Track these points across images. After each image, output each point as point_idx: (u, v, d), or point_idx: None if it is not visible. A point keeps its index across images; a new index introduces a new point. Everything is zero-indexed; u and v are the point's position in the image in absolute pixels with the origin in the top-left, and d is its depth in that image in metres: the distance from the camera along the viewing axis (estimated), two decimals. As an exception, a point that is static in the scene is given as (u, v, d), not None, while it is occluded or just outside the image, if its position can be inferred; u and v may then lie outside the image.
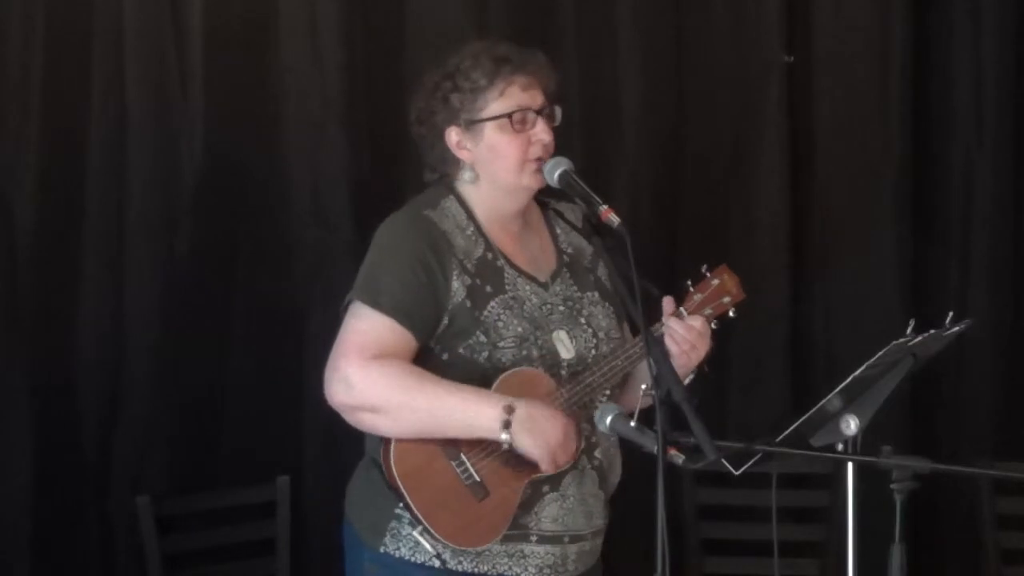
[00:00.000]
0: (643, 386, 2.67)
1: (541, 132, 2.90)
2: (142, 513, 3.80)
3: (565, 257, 3.02)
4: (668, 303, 2.93)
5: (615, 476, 3.00)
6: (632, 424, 2.61)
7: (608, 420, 2.65)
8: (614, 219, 2.77)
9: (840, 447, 2.78)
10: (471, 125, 2.90)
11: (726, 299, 2.99)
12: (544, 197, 3.03)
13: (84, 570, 3.93)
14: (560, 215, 3.06)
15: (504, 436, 2.76)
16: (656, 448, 2.50)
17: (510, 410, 2.76)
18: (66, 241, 3.90)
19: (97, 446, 3.94)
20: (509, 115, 2.88)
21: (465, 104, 2.89)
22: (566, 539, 2.91)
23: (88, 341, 3.92)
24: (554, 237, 3.05)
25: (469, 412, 2.78)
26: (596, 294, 3.01)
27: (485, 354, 2.84)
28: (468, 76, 2.89)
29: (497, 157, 2.90)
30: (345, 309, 2.89)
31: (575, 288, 2.99)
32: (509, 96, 2.89)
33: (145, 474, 3.94)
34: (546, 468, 2.80)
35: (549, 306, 2.93)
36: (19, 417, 3.85)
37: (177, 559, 3.87)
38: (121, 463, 3.94)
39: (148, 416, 3.95)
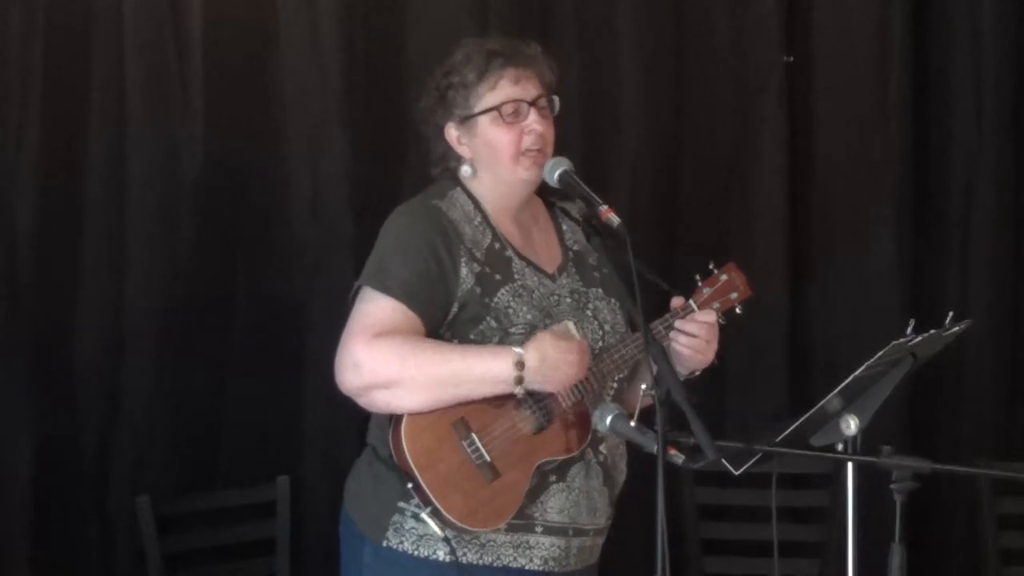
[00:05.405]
0: (643, 386, 2.67)
1: (533, 123, 2.91)
2: (142, 513, 3.80)
3: (571, 253, 3.04)
4: (676, 301, 2.96)
5: (620, 475, 3.01)
6: (632, 424, 2.62)
7: (608, 420, 2.66)
8: (614, 219, 2.78)
9: (840, 447, 2.78)
10: (465, 120, 2.93)
11: (734, 295, 3.02)
12: (550, 197, 3.04)
13: (84, 570, 3.93)
14: (566, 213, 3.08)
15: (519, 390, 2.79)
16: (656, 448, 2.51)
17: (521, 365, 2.77)
18: (66, 241, 3.90)
19: (97, 446, 3.94)
20: (499, 107, 2.90)
21: (459, 100, 2.93)
22: (570, 531, 2.92)
23: (88, 341, 3.92)
24: (560, 234, 3.07)
25: (480, 369, 2.79)
26: (600, 290, 3.02)
27: (496, 340, 2.85)
28: (460, 72, 2.93)
29: (493, 150, 2.92)
30: (353, 298, 2.90)
31: (581, 283, 3.01)
32: (500, 89, 2.91)
33: (145, 474, 3.94)
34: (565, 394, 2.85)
35: (556, 297, 2.95)
36: (19, 417, 3.84)
37: (177, 559, 3.86)
38: (121, 463, 3.95)
39: (148, 416, 3.95)
